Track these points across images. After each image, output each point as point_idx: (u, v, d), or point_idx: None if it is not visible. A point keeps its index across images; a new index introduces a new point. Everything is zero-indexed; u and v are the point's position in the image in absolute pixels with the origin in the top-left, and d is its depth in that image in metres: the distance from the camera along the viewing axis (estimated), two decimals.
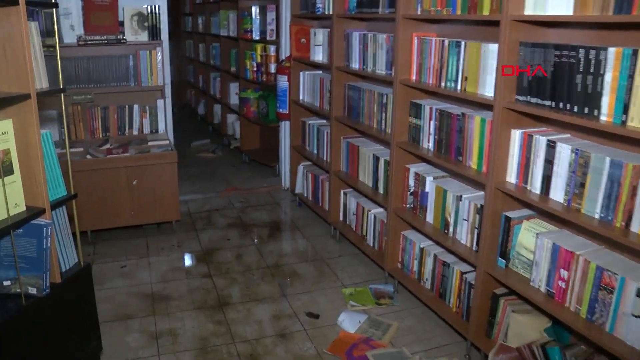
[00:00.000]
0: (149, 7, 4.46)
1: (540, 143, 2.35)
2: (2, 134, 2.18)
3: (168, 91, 4.84)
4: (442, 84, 2.93)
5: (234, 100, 6.82)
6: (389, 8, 3.32)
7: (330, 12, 4.03)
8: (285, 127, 5.34)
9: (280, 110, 4.97)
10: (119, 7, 4.48)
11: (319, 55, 4.43)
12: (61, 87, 2.45)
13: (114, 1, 4.46)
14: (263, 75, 5.66)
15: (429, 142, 3.14)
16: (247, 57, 5.93)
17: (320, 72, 4.61)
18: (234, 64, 6.67)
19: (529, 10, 2.29)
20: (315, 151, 4.65)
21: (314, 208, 4.71)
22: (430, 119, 3.09)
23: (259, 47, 5.68)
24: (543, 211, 2.51)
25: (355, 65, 3.82)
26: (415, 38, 3.13)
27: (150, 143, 4.47)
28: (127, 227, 4.46)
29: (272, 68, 5.52)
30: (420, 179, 3.25)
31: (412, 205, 3.38)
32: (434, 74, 2.99)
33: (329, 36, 4.15)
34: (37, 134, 2.24)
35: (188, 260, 4.05)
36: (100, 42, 4.33)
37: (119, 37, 4.36)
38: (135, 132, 4.71)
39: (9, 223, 2.15)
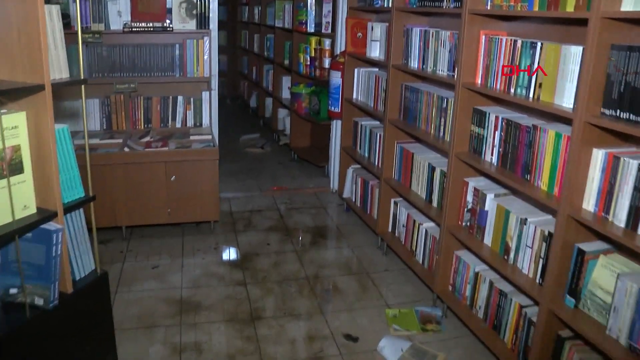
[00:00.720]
0: None
1: (630, 167, 1.96)
2: (12, 128, 1.95)
3: (215, 83, 4.61)
4: (512, 91, 2.56)
5: (285, 94, 6.56)
6: (454, 2, 2.96)
7: (390, 5, 3.69)
8: (336, 127, 5.03)
9: (332, 108, 4.67)
10: None
11: (375, 51, 4.10)
12: (82, 77, 2.20)
13: None
14: (316, 70, 5.36)
15: (492, 155, 2.77)
16: (301, 50, 5.65)
17: (376, 69, 4.27)
18: (287, 56, 6.40)
19: (628, 6, 1.90)
20: (366, 154, 4.32)
21: (362, 215, 4.39)
22: (496, 129, 2.72)
23: (313, 40, 5.39)
24: (625, 246, 2.11)
25: (415, 64, 3.47)
26: (483, 36, 2.76)
27: (192, 137, 4.25)
28: (164, 224, 4.27)
29: (326, 63, 5.22)
30: (479, 196, 2.89)
31: (468, 224, 3.02)
32: (503, 79, 2.62)
33: (387, 31, 3.81)
34: (51, 129, 2.01)
35: (223, 265, 3.81)
36: (146, 29, 4.12)
37: (165, 25, 4.15)
38: (178, 125, 4.51)
39: (14, 227, 1.93)
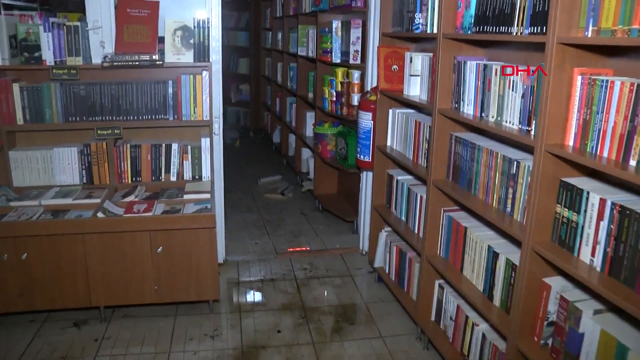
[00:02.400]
0: (196, 20, 3.44)
1: None
2: None
3: (218, 127, 3.80)
4: (631, 163, 1.65)
5: (309, 132, 5.72)
6: (530, 27, 2.07)
7: (435, 31, 2.82)
8: (366, 179, 4.16)
9: (361, 156, 3.80)
10: (159, 19, 3.49)
11: (415, 88, 3.22)
12: None
13: (154, 12, 3.48)
14: (343, 108, 4.50)
15: (593, 254, 1.85)
16: (326, 84, 4.81)
17: (416, 112, 3.39)
18: (311, 89, 5.58)
19: None
20: (403, 218, 3.42)
21: (397, 293, 3.48)
22: (600, 218, 1.80)
23: (339, 72, 4.54)
24: None
25: (469, 110, 2.58)
26: (579, 77, 1.86)
27: (186, 196, 3.43)
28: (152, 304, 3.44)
29: (355, 99, 4.37)
30: (569, 309, 1.97)
31: (550, 343, 2.10)
32: (614, 143, 1.71)
33: (432, 64, 2.94)
34: None
35: None
36: (129, 63, 3.34)
37: (154, 57, 3.36)
38: (173, 178, 3.69)
39: None
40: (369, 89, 3.96)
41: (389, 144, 3.58)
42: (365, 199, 4.23)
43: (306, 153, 5.81)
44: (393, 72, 3.42)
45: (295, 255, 4.30)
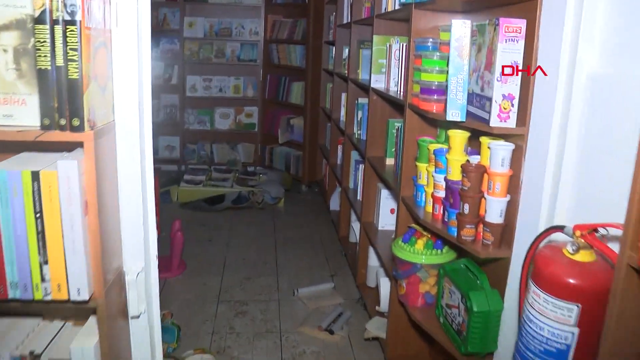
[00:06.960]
0: (53, 2, 1.10)
1: None
2: None
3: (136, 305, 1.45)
4: None
5: (385, 222, 3.26)
6: None
7: None
8: None
9: None
10: None
11: None
12: None
13: None
14: (464, 226, 1.96)
15: None
16: (423, 156, 2.32)
17: None
18: (394, 153, 3.13)
19: None
20: None
21: None
22: None
23: (457, 138, 2.04)
24: None
25: None
26: None
27: None
28: None
29: (495, 211, 1.86)
30: None
31: None
32: None
33: None
34: None
35: None
36: None
37: None
38: None
39: None
40: (550, 203, 1.50)
41: None
42: None
43: (375, 259, 3.35)
44: None
45: None
